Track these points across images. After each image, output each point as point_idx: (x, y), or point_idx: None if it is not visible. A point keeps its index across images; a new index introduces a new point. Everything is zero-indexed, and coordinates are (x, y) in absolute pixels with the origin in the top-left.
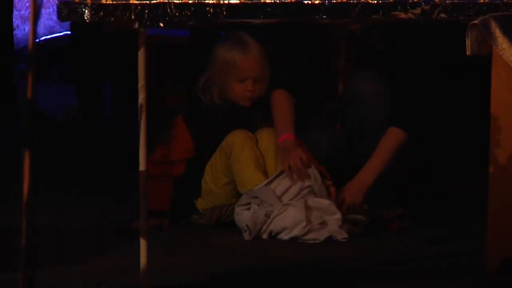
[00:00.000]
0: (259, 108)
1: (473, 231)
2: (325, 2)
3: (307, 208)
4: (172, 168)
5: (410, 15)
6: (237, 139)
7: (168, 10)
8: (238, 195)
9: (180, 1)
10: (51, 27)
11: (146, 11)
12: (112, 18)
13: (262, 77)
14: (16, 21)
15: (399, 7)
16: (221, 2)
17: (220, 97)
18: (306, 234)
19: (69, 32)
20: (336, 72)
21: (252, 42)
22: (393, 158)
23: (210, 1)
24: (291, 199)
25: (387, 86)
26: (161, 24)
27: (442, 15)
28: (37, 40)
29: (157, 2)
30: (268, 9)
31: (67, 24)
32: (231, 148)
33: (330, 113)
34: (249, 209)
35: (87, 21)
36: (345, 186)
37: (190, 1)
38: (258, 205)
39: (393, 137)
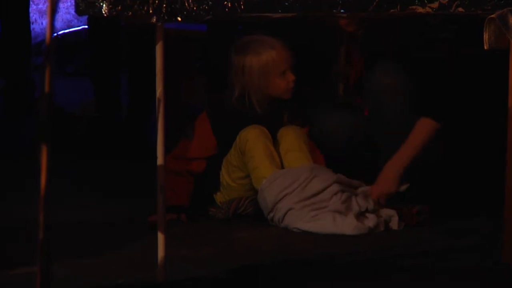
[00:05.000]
0: (287, 106)
1: (488, 227)
2: None
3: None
4: (193, 165)
5: (427, 9)
6: (250, 136)
7: (186, 4)
8: (254, 189)
9: None
10: (69, 21)
11: (164, 5)
12: (130, 13)
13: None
14: (34, 15)
15: (416, 1)
16: None
17: (260, 104)
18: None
19: (86, 26)
20: (337, 73)
21: (271, 38)
22: (424, 148)
23: None
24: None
25: (405, 75)
26: (179, 19)
27: (460, 9)
28: (55, 34)
29: None
30: (286, 3)
31: (85, 18)
32: (244, 145)
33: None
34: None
35: (105, 15)
36: (377, 180)
37: None
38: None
39: (423, 128)
